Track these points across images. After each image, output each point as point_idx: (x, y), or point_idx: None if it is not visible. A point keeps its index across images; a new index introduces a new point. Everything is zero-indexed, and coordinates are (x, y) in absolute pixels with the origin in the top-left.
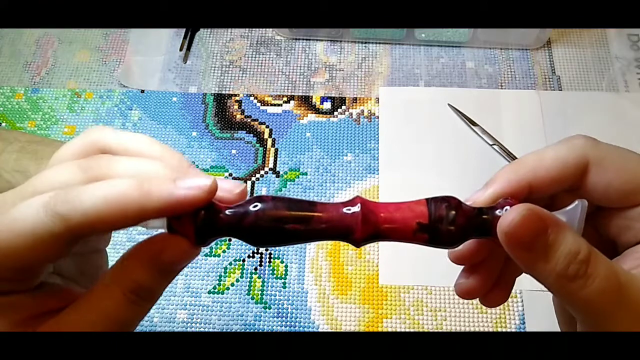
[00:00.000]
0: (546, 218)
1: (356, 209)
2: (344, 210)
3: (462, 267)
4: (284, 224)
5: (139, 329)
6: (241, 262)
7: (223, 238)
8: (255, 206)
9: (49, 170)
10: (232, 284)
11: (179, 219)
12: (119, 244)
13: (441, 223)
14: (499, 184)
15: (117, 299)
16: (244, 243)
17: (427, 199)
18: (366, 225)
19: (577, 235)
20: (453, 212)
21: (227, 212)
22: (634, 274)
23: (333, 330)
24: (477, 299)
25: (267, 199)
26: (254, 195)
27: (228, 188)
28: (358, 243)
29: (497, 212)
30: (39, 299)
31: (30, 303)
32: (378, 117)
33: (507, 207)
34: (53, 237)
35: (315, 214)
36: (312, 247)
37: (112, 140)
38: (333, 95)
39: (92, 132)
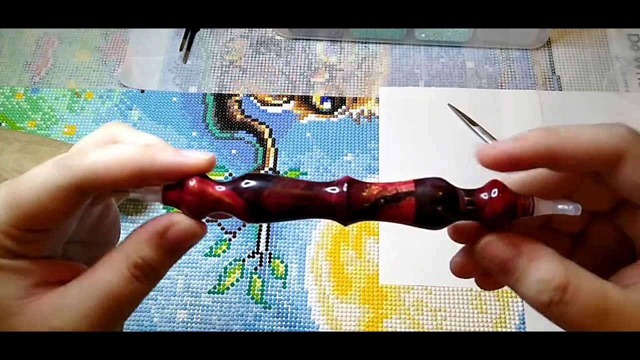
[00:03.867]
0: (519, 245)
1: (342, 186)
2: (330, 188)
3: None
4: (269, 198)
5: (139, 329)
6: (241, 262)
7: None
8: (247, 183)
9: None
10: (232, 284)
11: (174, 188)
12: None
13: (426, 197)
14: (530, 144)
15: (121, 274)
16: (244, 243)
17: (415, 182)
18: (351, 199)
19: (554, 261)
20: (439, 190)
21: (216, 187)
22: (632, 291)
23: (333, 330)
24: (473, 281)
25: (255, 176)
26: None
27: (199, 156)
28: (345, 220)
29: (482, 195)
30: (47, 267)
31: (39, 270)
32: (378, 117)
33: (495, 190)
34: (61, 189)
35: (307, 188)
36: (312, 247)
37: (126, 136)
38: (333, 95)
39: (110, 126)
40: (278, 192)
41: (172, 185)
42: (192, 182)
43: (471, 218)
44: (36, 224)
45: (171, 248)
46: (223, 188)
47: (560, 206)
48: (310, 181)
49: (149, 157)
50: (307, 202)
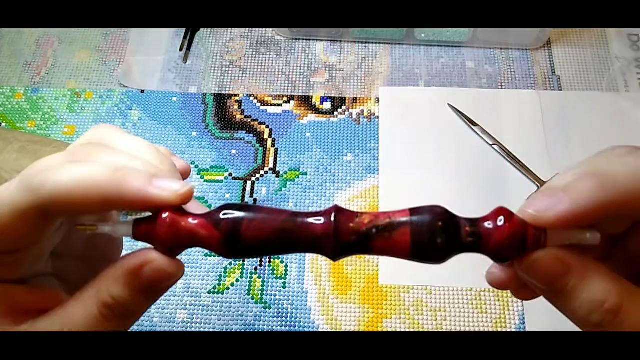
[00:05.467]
0: (568, 261)
1: (330, 216)
2: (315, 218)
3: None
4: (251, 230)
5: (139, 329)
6: (241, 262)
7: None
8: (226, 214)
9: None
10: (232, 284)
11: (146, 222)
12: None
13: (423, 227)
14: (579, 203)
15: (90, 312)
16: None
17: (411, 211)
18: (340, 231)
19: (607, 281)
20: (437, 220)
21: (190, 220)
22: None
23: (333, 330)
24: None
25: (235, 206)
26: (252, 196)
27: (174, 188)
28: (333, 253)
29: (486, 224)
30: (25, 294)
31: (15, 296)
32: (378, 117)
33: (502, 219)
34: (24, 211)
35: (290, 219)
36: None
37: (112, 140)
38: (333, 95)
39: (98, 130)
40: (258, 223)
41: (143, 219)
42: (165, 215)
43: (474, 250)
44: (7, 247)
45: (145, 288)
46: (198, 220)
47: (576, 236)
48: (294, 211)
49: (117, 184)
50: (289, 235)
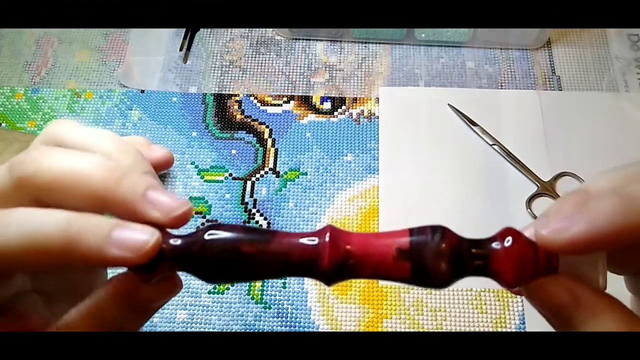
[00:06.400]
0: (578, 293)
1: (324, 236)
2: (309, 238)
3: None
4: (237, 251)
5: None
6: None
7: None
8: (210, 234)
9: None
10: (232, 284)
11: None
12: None
13: (425, 249)
14: (596, 227)
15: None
16: None
17: (410, 232)
18: (335, 251)
19: (620, 320)
20: (440, 242)
21: (171, 241)
22: None
23: (333, 330)
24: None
25: (220, 227)
26: (252, 196)
27: (167, 208)
28: (327, 276)
29: (493, 245)
30: (8, 326)
31: None
32: (378, 117)
33: (509, 239)
34: None
35: (275, 238)
36: None
37: (69, 136)
38: (333, 95)
39: (52, 127)
40: (244, 244)
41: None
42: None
43: (480, 274)
44: None
45: (136, 306)
46: (179, 241)
47: (587, 273)
48: (285, 232)
49: (70, 244)
50: (280, 256)
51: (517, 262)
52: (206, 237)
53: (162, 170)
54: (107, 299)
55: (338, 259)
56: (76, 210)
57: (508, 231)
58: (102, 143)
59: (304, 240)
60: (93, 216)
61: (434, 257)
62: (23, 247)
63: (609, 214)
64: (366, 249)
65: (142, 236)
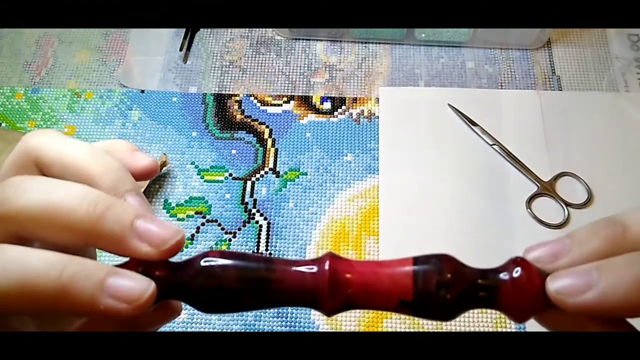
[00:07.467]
0: (588, 329)
1: (323, 275)
2: (308, 274)
3: None
4: (239, 303)
5: None
6: None
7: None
8: (206, 261)
9: None
10: None
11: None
12: None
13: (429, 300)
14: (612, 295)
15: None
16: (244, 243)
17: (415, 261)
18: (335, 297)
19: None
20: (446, 273)
21: (166, 276)
22: None
23: (333, 330)
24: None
25: (217, 253)
26: (252, 196)
27: (158, 240)
28: (328, 314)
29: (501, 276)
30: None
31: None
32: (378, 117)
33: (518, 270)
34: None
35: (273, 279)
36: (312, 247)
37: (49, 151)
38: (333, 95)
39: (30, 139)
40: (240, 272)
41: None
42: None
43: (487, 306)
44: None
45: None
46: (174, 276)
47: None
48: (284, 259)
49: (61, 294)
50: (276, 285)
51: (526, 293)
52: (201, 263)
53: (146, 179)
54: (103, 323)
55: (338, 304)
56: (59, 245)
57: (517, 261)
58: (82, 161)
59: (302, 269)
60: (86, 261)
61: (437, 287)
62: (11, 292)
63: (629, 283)
64: (369, 293)
65: (137, 286)
